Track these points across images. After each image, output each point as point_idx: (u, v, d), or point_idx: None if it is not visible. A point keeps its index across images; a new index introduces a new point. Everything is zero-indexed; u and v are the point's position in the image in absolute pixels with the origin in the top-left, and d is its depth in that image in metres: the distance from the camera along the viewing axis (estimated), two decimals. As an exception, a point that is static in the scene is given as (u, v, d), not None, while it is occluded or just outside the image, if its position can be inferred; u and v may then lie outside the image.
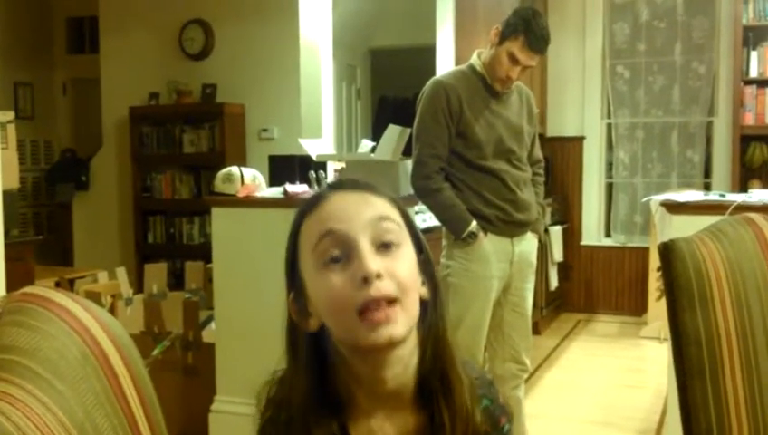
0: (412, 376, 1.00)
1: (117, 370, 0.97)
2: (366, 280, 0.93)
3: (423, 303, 1.01)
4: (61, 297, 0.98)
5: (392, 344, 0.95)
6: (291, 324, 1.02)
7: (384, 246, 0.96)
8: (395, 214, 1.00)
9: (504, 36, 2.79)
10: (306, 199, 1.03)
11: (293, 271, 1.01)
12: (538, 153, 3.06)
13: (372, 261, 0.94)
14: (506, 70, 2.79)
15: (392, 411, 1.01)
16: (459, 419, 1.00)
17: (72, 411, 0.89)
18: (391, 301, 0.94)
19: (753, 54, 5.73)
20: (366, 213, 0.97)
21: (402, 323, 0.95)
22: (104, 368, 0.96)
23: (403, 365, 0.99)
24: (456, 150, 2.84)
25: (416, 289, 0.98)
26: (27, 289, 0.99)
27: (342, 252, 0.95)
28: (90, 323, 0.97)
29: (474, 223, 2.80)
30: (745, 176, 5.77)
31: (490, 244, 2.83)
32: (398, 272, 0.95)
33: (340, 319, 0.96)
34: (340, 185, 1.03)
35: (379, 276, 0.93)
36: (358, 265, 0.94)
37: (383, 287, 0.94)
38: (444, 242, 2.95)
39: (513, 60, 2.77)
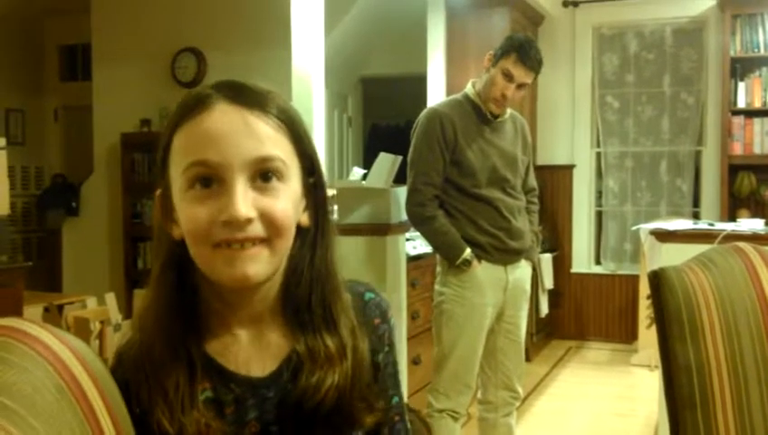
0: (273, 301, 0.96)
1: (93, 402, 0.94)
2: (231, 224, 0.86)
3: (301, 229, 0.95)
4: (35, 329, 0.95)
5: (249, 284, 0.89)
6: (160, 224, 0.94)
7: (263, 178, 0.88)
8: (283, 145, 0.90)
9: (497, 58, 2.84)
10: (189, 98, 0.92)
11: (164, 167, 0.93)
12: (532, 182, 3.08)
13: (243, 203, 0.86)
14: (501, 88, 2.82)
15: (254, 330, 0.96)
16: (341, 351, 0.95)
17: None
18: (258, 240, 0.88)
19: (741, 85, 5.79)
20: (249, 148, 0.87)
21: (265, 264, 0.89)
22: (80, 401, 0.93)
23: (263, 295, 0.94)
24: (451, 178, 2.85)
25: (292, 227, 0.91)
26: (0, 321, 0.95)
27: (214, 178, 0.87)
28: (65, 354, 0.94)
29: (468, 250, 2.81)
30: (734, 205, 5.81)
31: (484, 271, 2.84)
32: (273, 212, 0.88)
33: (198, 250, 0.89)
34: (228, 92, 0.90)
35: (249, 221, 0.86)
36: (226, 204, 0.86)
37: (251, 231, 0.87)
38: (438, 269, 2.95)
39: (508, 76, 2.80)
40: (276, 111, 0.91)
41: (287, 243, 0.91)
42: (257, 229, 0.87)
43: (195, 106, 0.90)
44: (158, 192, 0.94)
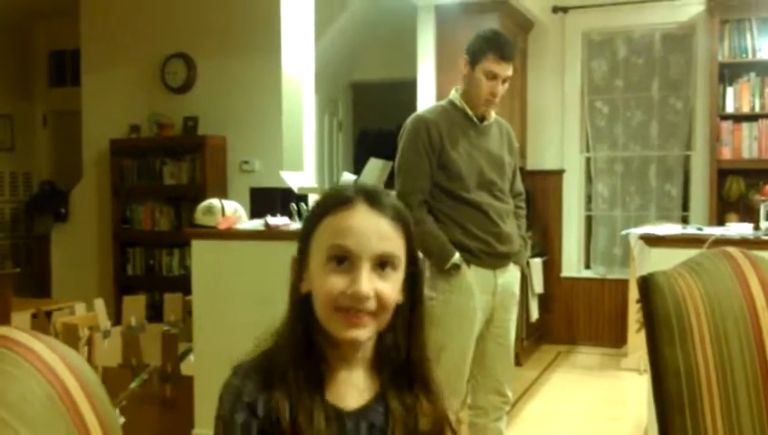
0: (370, 350, 1.22)
1: (83, 411, 0.95)
2: (355, 297, 1.14)
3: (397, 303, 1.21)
4: (26, 337, 0.95)
5: (356, 344, 1.18)
6: (294, 282, 1.22)
7: (381, 266, 1.17)
8: (399, 245, 1.19)
9: (473, 61, 2.88)
10: (337, 197, 1.20)
11: (305, 242, 1.21)
12: (519, 186, 3.09)
13: (367, 284, 1.14)
14: (489, 88, 2.85)
15: (347, 370, 1.20)
16: (434, 401, 1.24)
17: None
18: (369, 313, 1.16)
19: (729, 90, 5.82)
20: (378, 245, 1.16)
21: (369, 330, 1.17)
22: (70, 410, 0.94)
23: (363, 346, 1.20)
24: (439, 183, 2.86)
25: (393, 304, 1.19)
26: (-8, 330, 0.95)
27: (348, 259, 1.15)
28: (55, 363, 0.95)
29: (457, 255, 2.81)
30: (723, 209, 5.83)
31: (473, 276, 2.84)
32: (384, 294, 1.16)
33: (323, 308, 1.16)
34: (369, 198, 1.19)
35: (368, 298, 1.14)
36: (354, 281, 1.14)
37: (367, 305, 1.15)
38: (427, 274, 2.95)
39: (491, 76, 2.84)
40: (400, 219, 1.20)
41: (388, 316, 1.19)
42: (371, 305, 1.15)
43: (340, 205, 1.18)
44: (297, 258, 1.22)
